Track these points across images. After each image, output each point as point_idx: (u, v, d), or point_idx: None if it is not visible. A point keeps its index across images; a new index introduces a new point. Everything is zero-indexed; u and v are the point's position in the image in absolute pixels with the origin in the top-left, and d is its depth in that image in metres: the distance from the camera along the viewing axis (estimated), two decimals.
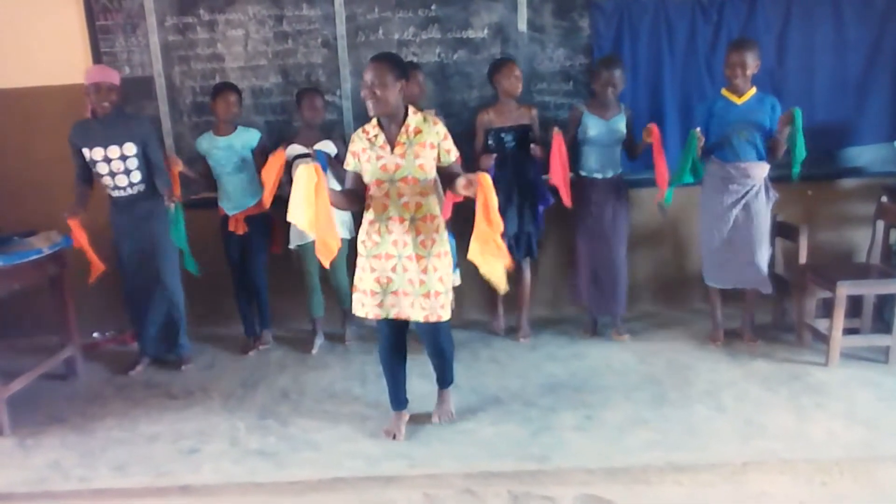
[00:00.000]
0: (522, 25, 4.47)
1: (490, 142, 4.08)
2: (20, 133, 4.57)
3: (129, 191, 3.91)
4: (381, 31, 4.47)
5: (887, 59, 4.41)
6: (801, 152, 3.70)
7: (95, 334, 4.69)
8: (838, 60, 4.43)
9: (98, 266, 3.90)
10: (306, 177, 2.76)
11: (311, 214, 2.78)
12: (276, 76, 4.53)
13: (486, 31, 4.48)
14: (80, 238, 3.85)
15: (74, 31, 4.46)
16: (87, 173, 3.92)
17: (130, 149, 3.84)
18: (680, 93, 4.48)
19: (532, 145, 4.02)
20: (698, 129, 3.81)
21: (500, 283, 2.96)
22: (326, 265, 3.06)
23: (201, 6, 4.44)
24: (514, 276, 4.28)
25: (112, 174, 3.86)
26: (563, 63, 4.53)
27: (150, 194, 3.96)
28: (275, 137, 4.46)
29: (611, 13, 4.41)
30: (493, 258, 2.88)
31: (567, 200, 4.08)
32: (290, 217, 2.83)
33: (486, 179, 2.78)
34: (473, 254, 2.87)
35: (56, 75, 4.49)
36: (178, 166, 4.05)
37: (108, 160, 3.83)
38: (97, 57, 4.47)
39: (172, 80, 4.54)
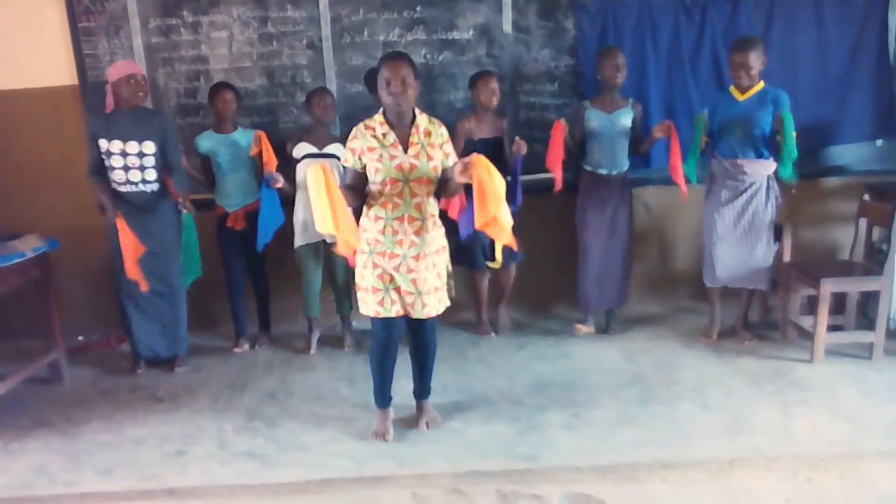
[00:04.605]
0: (507, 26, 4.48)
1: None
2: (2, 136, 4.51)
3: (142, 187, 3.86)
4: (366, 33, 4.46)
5: (869, 59, 4.45)
6: (789, 153, 3.73)
7: (80, 338, 4.65)
8: (821, 60, 4.46)
9: (132, 271, 3.81)
10: (315, 177, 2.74)
11: (330, 215, 2.74)
12: (261, 78, 4.51)
13: (471, 33, 4.49)
14: (129, 240, 3.77)
15: (57, 33, 4.42)
16: (102, 165, 3.84)
17: (149, 147, 3.81)
18: (664, 93, 4.50)
19: (517, 138, 4.04)
20: (705, 111, 3.95)
21: (498, 258, 3.22)
22: (353, 262, 3.05)
23: (185, 8, 4.41)
24: (497, 274, 4.32)
25: (126, 168, 3.81)
26: (548, 64, 4.54)
27: (162, 194, 3.92)
28: None
29: (595, 14, 4.43)
30: (498, 232, 2.92)
31: (558, 184, 4.11)
32: (319, 227, 2.76)
33: (480, 159, 2.79)
34: (479, 224, 2.91)
35: (39, 77, 4.45)
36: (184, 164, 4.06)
37: (124, 154, 3.78)
38: (80, 59, 4.42)
39: (156, 82, 4.50)
